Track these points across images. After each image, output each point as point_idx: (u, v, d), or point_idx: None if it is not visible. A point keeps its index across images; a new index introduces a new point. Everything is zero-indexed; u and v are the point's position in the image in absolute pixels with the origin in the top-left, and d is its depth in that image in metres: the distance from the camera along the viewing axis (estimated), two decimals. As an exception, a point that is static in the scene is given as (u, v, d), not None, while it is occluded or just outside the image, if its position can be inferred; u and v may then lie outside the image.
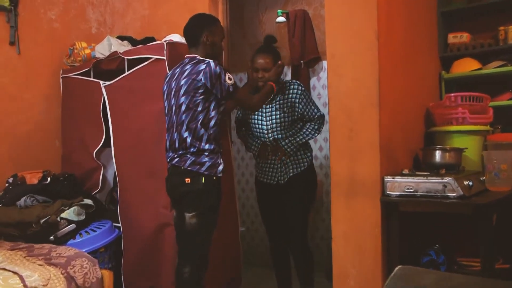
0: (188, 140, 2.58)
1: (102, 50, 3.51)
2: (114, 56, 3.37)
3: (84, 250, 2.94)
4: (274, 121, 3.00)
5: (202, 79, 2.53)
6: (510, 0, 3.18)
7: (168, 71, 2.88)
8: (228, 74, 2.60)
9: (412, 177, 2.53)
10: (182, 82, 2.60)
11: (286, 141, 3.00)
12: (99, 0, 4.24)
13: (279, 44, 3.17)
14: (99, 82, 3.44)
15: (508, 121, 3.20)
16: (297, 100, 2.99)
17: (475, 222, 2.43)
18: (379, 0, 2.57)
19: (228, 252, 3.32)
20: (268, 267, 3.62)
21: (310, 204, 3.12)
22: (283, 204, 3.07)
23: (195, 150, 2.58)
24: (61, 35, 3.94)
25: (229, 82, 2.59)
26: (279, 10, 4.25)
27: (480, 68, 3.28)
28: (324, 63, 4.10)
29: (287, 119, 2.99)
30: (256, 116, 3.06)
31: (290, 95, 3.00)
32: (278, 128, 3.00)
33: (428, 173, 2.62)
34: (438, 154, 2.75)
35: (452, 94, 3.00)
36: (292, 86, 3.02)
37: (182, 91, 2.59)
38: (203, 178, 2.56)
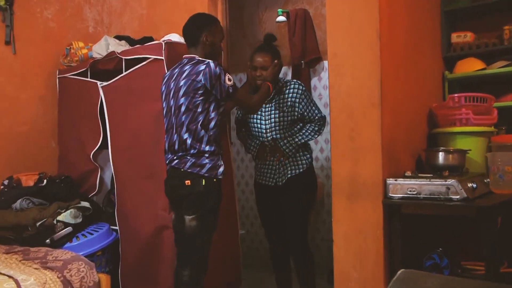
0: (188, 141, 2.58)
1: (99, 50, 3.51)
2: (111, 56, 3.37)
3: (81, 253, 2.93)
4: (273, 120, 3.00)
5: (202, 79, 2.53)
6: (515, -1, 3.19)
7: (166, 71, 2.88)
8: (228, 75, 2.60)
9: (415, 179, 2.53)
10: (182, 83, 2.59)
11: (285, 141, 3.00)
12: (96, -1, 4.25)
13: (279, 44, 3.17)
14: (96, 83, 3.44)
15: (513, 122, 3.20)
16: (297, 100, 2.99)
17: (479, 225, 2.43)
18: (381, -1, 2.57)
19: (227, 255, 3.32)
20: (268, 270, 3.62)
21: (310, 206, 3.11)
22: (281, 206, 3.07)
23: (195, 151, 2.58)
24: (57, 35, 3.94)
25: (229, 83, 2.59)
26: (279, 9, 4.26)
27: (484, 68, 3.28)
28: (325, 63, 4.10)
29: (286, 118, 2.99)
30: (255, 116, 3.06)
31: (290, 95, 3.00)
32: (277, 128, 3.00)
33: (431, 175, 2.62)
34: (441, 156, 2.75)
35: (456, 95, 3.00)
36: (292, 86, 3.02)
37: (181, 92, 2.59)
38: (204, 180, 2.56)
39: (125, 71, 3.25)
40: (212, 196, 2.59)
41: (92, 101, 3.47)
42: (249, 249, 4.64)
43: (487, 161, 2.73)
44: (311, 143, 3.18)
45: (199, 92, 2.55)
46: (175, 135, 2.63)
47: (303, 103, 3.00)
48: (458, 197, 2.39)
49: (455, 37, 3.41)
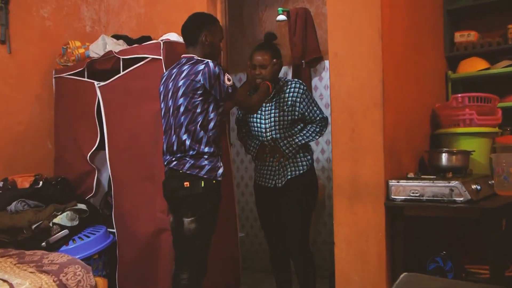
0: (187, 142, 2.57)
1: (96, 49, 3.51)
2: (109, 55, 3.36)
3: (77, 256, 2.93)
4: (272, 119, 2.99)
5: (201, 79, 2.52)
6: (519, -3, 3.18)
7: (165, 71, 2.87)
8: (227, 74, 2.60)
9: (418, 181, 2.53)
10: (180, 83, 2.59)
11: (285, 141, 2.99)
12: (93, -2, 4.25)
13: (279, 43, 3.17)
14: (94, 83, 3.44)
15: (517, 123, 3.19)
16: (298, 99, 2.98)
17: (483, 228, 2.42)
18: (383, -3, 2.57)
19: (227, 258, 3.31)
20: (268, 273, 3.61)
21: (310, 208, 3.10)
22: (281, 208, 3.06)
23: (194, 153, 2.57)
24: (54, 34, 3.94)
25: (228, 83, 2.58)
26: (279, 8, 4.25)
27: (488, 68, 3.27)
28: (326, 62, 4.10)
29: (286, 118, 2.98)
30: (255, 115, 3.06)
31: (291, 94, 2.99)
32: (277, 127, 2.99)
33: (434, 176, 2.61)
34: (444, 157, 2.75)
35: (459, 95, 2.99)
36: (293, 85, 3.01)
37: (180, 92, 2.58)
38: (203, 182, 2.55)
39: (122, 71, 3.25)
40: (211, 198, 2.58)
41: (89, 102, 3.46)
42: (249, 252, 4.63)
43: (491, 162, 2.72)
44: (312, 144, 3.17)
45: (198, 92, 2.54)
46: (174, 136, 2.62)
47: (304, 103, 2.99)
48: (461, 199, 2.38)
49: (459, 36, 3.40)
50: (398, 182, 2.54)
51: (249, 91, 2.98)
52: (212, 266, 2.70)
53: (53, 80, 3.83)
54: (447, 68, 3.44)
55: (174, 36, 3.20)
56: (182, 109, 2.58)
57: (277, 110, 2.99)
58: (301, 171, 3.01)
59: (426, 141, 3.12)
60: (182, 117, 2.58)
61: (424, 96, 3.11)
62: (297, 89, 2.99)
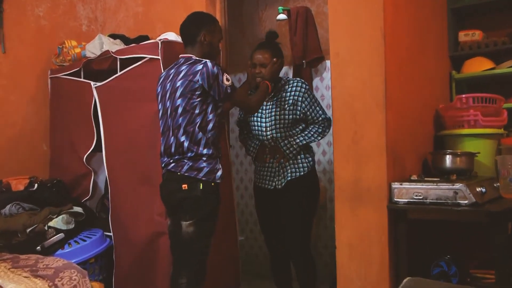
0: (185, 144, 2.56)
1: (93, 49, 3.51)
2: (105, 55, 3.36)
3: (73, 261, 2.91)
4: (273, 118, 2.99)
5: (199, 80, 2.52)
6: (525, -4, 3.18)
7: (163, 71, 2.87)
8: (226, 74, 2.59)
9: (421, 183, 2.52)
10: (178, 83, 2.58)
11: (286, 142, 2.98)
12: (89, -4, 4.25)
13: (280, 42, 3.17)
14: (90, 83, 3.43)
15: (523, 124, 3.19)
16: (300, 98, 2.98)
17: (489, 231, 2.41)
18: (385, -4, 2.57)
19: (226, 262, 3.30)
20: (268, 277, 3.61)
21: (311, 210, 3.09)
22: (281, 210, 3.05)
23: (192, 154, 2.56)
24: (49, 33, 3.93)
25: (227, 83, 2.58)
26: (280, 7, 4.25)
27: (493, 68, 3.27)
28: (328, 62, 4.09)
29: (287, 117, 2.98)
30: (256, 114, 3.06)
31: (293, 93, 2.99)
32: (277, 126, 2.99)
33: (438, 179, 2.60)
34: (448, 159, 2.74)
35: (464, 96, 2.99)
36: (295, 84, 3.01)
37: (178, 93, 2.58)
38: (201, 184, 2.55)
39: (120, 71, 3.24)
40: (210, 200, 2.58)
41: (86, 102, 3.46)
42: (248, 256, 4.63)
43: (496, 164, 2.72)
44: (313, 145, 3.17)
45: (197, 93, 2.54)
46: (172, 138, 2.62)
47: (305, 102, 2.99)
48: (466, 202, 2.38)
49: (463, 36, 3.40)
50: (401, 184, 2.54)
51: (250, 90, 2.98)
52: (211, 269, 2.70)
53: (49, 80, 3.83)
54: (451, 68, 3.44)
55: (173, 36, 3.20)
56: (180, 110, 2.57)
57: (278, 109, 2.99)
58: (302, 173, 3.01)
59: (430, 142, 3.11)
60: (180, 118, 2.57)
61: (427, 96, 3.11)
62: (299, 88, 2.99)
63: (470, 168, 2.76)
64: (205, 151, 2.57)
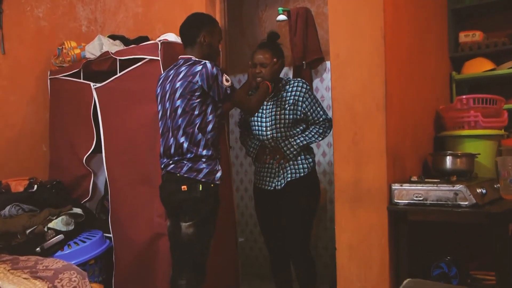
0: (185, 145, 2.57)
1: (92, 50, 3.51)
2: (105, 56, 3.36)
3: (72, 262, 2.92)
4: (273, 117, 2.99)
5: (199, 81, 2.52)
6: (526, -3, 3.19)
7: (162, 72, 2.87)
8: (225, 75, 2.60)
9: (421, 185, 2.52)
10: (178, 84, 2.59)
11: (286, 142, 2.99)
12: (89, -3, 4.25)
13: (281, 43, 3.17)
14: (90, 84, 3.44)
15: (524, 125, 3.19)
16: (300, 98, 2.98)
17: (489, 233, 2.41)
18: (385, -3, 2.57)
19: (226, 263, 3.31)
20: (268, 278, 3.61)
21: (311, 211, 3.09)
22: (280, 211, 3.05)
23: (192, 156, 2.57)
24: (49, 34, 3.94)
25: (226, 83, 2.58)
26: (280, 8, 4.25)
27: (494, 69, 3.28)
28: (328, 63, 4.10)
29: (287, 117, 2.98)
30: (256, 113, 3.06)
31: (294, 93, 2.99)
32: (278, 126, 2.99)
33: (438, 180, 2.61)
34: (448, 160, 2.74)
35: (464, 96, 2.99)
36: (296, 84, 3.02)
37: (177, 94, 2.58)
38: (201, 185, 2.55)
39: (119, 72, 3.24)
40: (209, 202, 2.58)
41: (85, 103, 3.46)
42: (248, 257, 4.63)
43: (497, 165, 2.72)
44: (313, 146, 3.17)
45: (196, 94, 2.54)
46: (171, 139, 2.62)
47: (306, 102, 2.99)
48: (466, 203, 2.38)
49: (463, 36, 3.41)
50: (401, 185, 2.54)
51: (250, 90, 2.99)
52: (211, 271, 2.70)
53: (48, 81, 3.83)
54: (451, 69, 3.44)
55: (172, 37, 3.20)
56: (179, 111, 2.58)
57: (278, 109, 2.99)
58: (302, 174, 3.01)
59: (430, 143, 3.11)
60: (180, 119, 2.58)
61: (428, 97, 3.11)
62: (299, 88, 3.00)
63: (471, 169, 2.76)
64: (204, 152, 2.57)
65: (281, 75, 3.14)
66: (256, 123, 3.07)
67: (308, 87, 3.03)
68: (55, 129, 3.80)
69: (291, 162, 3.00)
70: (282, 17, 4.22)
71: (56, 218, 3.15)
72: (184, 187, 2.55)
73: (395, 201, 2.54)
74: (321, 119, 3.02)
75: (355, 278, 2.65)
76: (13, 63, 3.73)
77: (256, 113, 3.05)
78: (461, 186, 2.40)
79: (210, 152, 2.59)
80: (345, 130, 2.68)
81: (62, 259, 2.88)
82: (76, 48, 3.72)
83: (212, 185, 2.58)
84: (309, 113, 3.00)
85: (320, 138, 3.04)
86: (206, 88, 2.54)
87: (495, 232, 2.37)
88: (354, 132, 2.65)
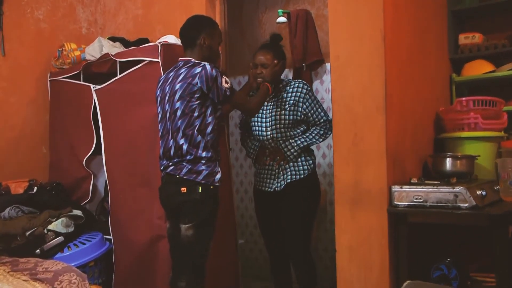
0: (184, 147, 2.57)
1: (92, 52, 3.51)
2: (105, 58, 3.36)
3: (72, 264, 2.91)
4: (273, 117, 2.99)
5: (198, 83, 2.53)
6: (525, -1, 3.18)
7: (162, 74, 2.87)
8: (225, 77, 2.60)
9: (421, 186, 2.52)
10: (177, 86, 2.59)
11: (287, 143, 2.99)
12: (89, -1, 4.25)
13: (283, 45, 3.18)
14: (90, 86, 3.44)
15: (524, 127, 3.19)
16: (301, 99, 2.98)
17: (489, 234, 2.41)
18: (385, -1, 2.57)
19: (225, 265, 3.30)
20: (268, 280, 3.60)
21: (311, 212, 3.09)
22: (280, 213, 3.05)
23: (191, 157, 2.57)
24: (49, 36, 3.94)
25: (226, 85, 2.58)
26: (279, 10, 4.25)
27: (494, 71, 3.28)
28: (328, 65, 4.10)
29: (287, 117, 2.98)
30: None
31: (294, 94, 2.99)
32: (278, 126, 2.99)
33: (438, 182, 2.60)
34: (448, 162, 2.74)
35: (464, 98, 2.99)
36: (296, 85, 3.02)
37: (177, 96, 2.58)
38: (200, 187, 2.55)
39: (119, 74, 3.25)
40: (209, 204, 2.58)
41: (85, 105, 3.46)
42: (248, 259, 4.62)
43: (496, 167, 2.72)
44: (313, 148, 3.17)
45: (196, 95, 2.54)
46: (171, 141, 2.62)
47: (307, 103, 2.99)
48: (466, 205, 2.38)
49: (463, 38, 3.40)
50: (401, 187, 2.54)
51: (251, 91, 2.99)
52: (210, 273, 2.70)
53: (48, 83, 3.83)
54: (451, 70, 3.44)
55: (172, 39, 3.20)
56: (179, 113, 2.58)
57: (278, 109, 3.00)
58: (302, 175, 3.00)
59: (430, 145, 3.11)
60: (179, 121, 2.58)
61: (427, 99, 3.11)
62: (300, 89, 3.00)
63: (470, 171, 2.76)
64: (204, 154, 2.57)
65: (282, 77, 3.14)
66: (256, 123, 3.07)
67: (308, 88, 3.03)
68: (55, 131, 3.80)
69: (291, 164, 3.00)
70: (282, 19, 4.22)
71: (56, 220, 3.15)
72: (183, 189, 2.55)
73: (395, 203, 2.54)
74: (322, 120, 3.02)
75: (355, 280, 2.65)
76: (13, 65, 3.73)
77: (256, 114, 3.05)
78: (461, 188, 2.40)
79: (209, 154, 2.59)
80: (345, 131, 2.68)
81: (62, 261, 2.88)
82: (76, 50, 3.72)
83: (211, 187, 2.58)
84: (309, 114, 3.00)
85: (321, 140, 3.04)
86: (206, 90, 2.54)
87: (495, 234, 2.37)
88: (354, 134, 2.65)
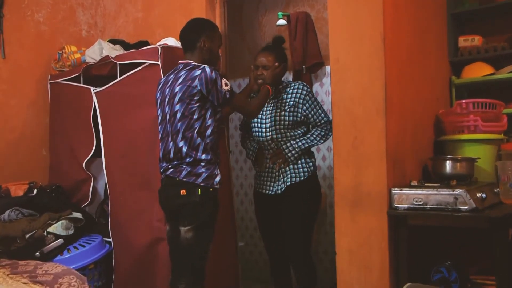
0: (184, 149, 2.57)
1: (92, 54, 3.51)
2: (105, 60, 3.36)
3: (72, 266, 2.90)
4: (273, 118, 2.99)
5: (198, 85, 2.53)
6: (525, 1, 3.19)
7: (162, 77, 2.87)
8: (225, 79, 2.60)
9: (421, 189, 2.51)
10: (177, 89, 2.59)
11: (288, 144, 2.98)
12: (89, 2, 4.25)
13: (286, 48, 3.18)
14: (90, 88, 3.44)
15: (523, 129, 3.19)
16: (301, 100, 2.98)
17: (489, 237, 2.41)
18: (385, 1, 2.56)
19: (225, 267, 3.30)
20: (268, 283, 3.60)
21: (312, 215, 3.08)
22: (280, 216, 3.04)
23: (191, 160, 2.56)
24: (49, 39, 3.94)
25: (226, 88, 2.58)
26: (279, 13, 4.26)
27: (493, 73, 3.27)
28: (327, 68, 4.10)
29: (287, 118, 2.98)
30: None
31: (294, 95, 2.99)
32: (277, 127, 2.99)
33: (438, 184, 2.60)
34: (448, 164, 2.74)
35: (464, 101, 2.99)
36: (296, 86, 3.02)
37: (176, 99, 2.58)
38: (199, 190, 2.55)
39: (119, 77, 3.25)
40: (208, 206, 2.58)
41: (85, 108, 3.46)
42: (248, 262, 4.62)
43: (496, 170, 2.72)
44: (313, 150, 3.16)
45: (195, 98, 2.54)
46: (171, 143, 2.62)
47: (307, 105, 2.99)
48: (466, 207, 2.37)
49: (463, 41, 3.40)
50: (401, 190, 2.53)
51: (252, 93, 2.99)
52: (210, 275, 2.69)
53: (48, 85, 3.83)
54: (451, 73, 3.44)
55: (172, 41, 3.20)
56: (179, 115, 2.58)
57: (278, 110, 3.00)
58: (302, 178, 3.00)
59: (430, 148, 3.11)
60: (179, 124, 2.58)
61: (427, 101, 3.11)
62: (300, 90, 3.00)
63: (470, 174, 2.76)
64: (203, 157, 2.57)
65: (282, 79, 3.14)
66: (256, 124, 3.07)
67: (308, 90, 3.03)
68: (55, 133, 3.80)
69: (291, 166, 3.00)
70: (282, 21, 4.22)
71: (55, 223, 3.15)
72: (183, 192, 2.55)
73: (395, 205, 2.53)
74: (323, 121, 3.02)
75: (355, 283, 2.64)
76: (14, 67, 3.73)
77: None
78: (461, 190, 2.39)
79: (209, 157, 2.59)
80: (345, 134, 2.68)
81: (61, 263, 2.88)
82: (76, 52, 3.73)
83: (211, 189, 2.58)
84: (310, 115, 3.00)
85: (322, 141, 3.03)
86: (205, 93, 2.54)
87: (495, 237, 2.37)
88: (354, 136, 2.65)
